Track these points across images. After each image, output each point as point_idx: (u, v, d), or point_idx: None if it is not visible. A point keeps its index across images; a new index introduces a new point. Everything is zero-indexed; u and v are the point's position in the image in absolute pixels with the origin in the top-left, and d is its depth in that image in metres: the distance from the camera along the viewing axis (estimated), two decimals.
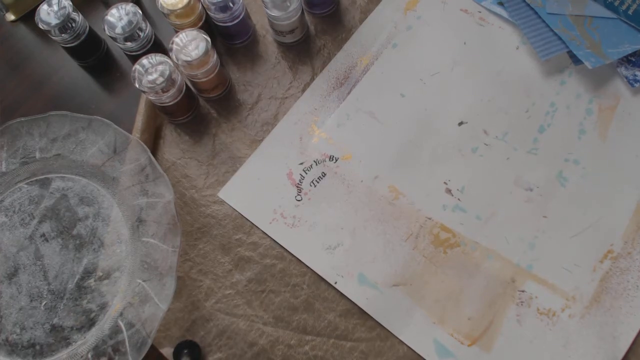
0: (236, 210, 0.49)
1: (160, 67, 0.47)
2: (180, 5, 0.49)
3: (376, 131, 0.50)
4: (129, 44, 0.51)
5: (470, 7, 0.53)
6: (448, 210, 0.47)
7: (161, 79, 0.47)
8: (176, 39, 0.48)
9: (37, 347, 0.45)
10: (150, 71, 0.47)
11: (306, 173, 0.50)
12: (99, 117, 0.49)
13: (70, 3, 0.51)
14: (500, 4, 0.53)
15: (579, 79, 0.50)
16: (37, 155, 0.50)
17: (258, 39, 0.55)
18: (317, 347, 0.45)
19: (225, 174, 0.51)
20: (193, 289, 0.47)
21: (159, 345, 0.46)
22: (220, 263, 0.48)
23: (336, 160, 0.50)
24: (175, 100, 0.49)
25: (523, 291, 0.44)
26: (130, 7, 0.50)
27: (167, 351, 0.46)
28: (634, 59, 0.49)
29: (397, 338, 0.44)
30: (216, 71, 0.50)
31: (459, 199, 0.47)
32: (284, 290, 0.47)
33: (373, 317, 0.45)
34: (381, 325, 0.45)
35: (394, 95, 0.51)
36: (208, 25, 0.53)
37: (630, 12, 0.49)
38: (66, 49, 0.54)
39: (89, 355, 0.44)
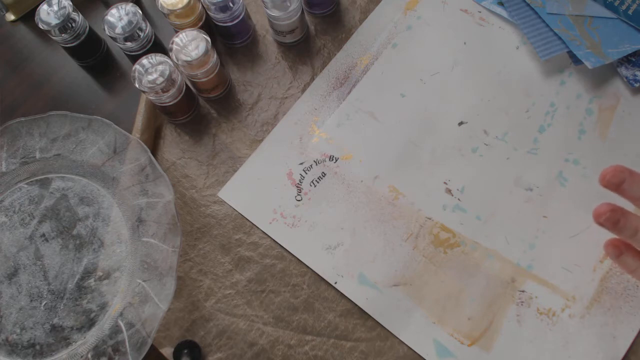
0: (236, 210, 0.49)
1: (160, 67, 0.47)
2: (180, 5, 0.49)
3: (376, 131, 0.50)
4: (129, 44, 0.51)
5: (470, 7, 0.53)
6: (448, 210, 0.47)
7: (161, 79, 0.47)
8: (176, 39, 0.48)
9: (37, 347, 0.45)
10: (150, 71, 0.47)
11: (306, 173, 0.50)
12: (99, 117, 0.49)
13: (70, 3, 0.51)
14: (500, 4, 0.53)
15: (579, 79, 0.50)
16: (37, 155, 0.50)
17: (258, 39, 0.55)
18: (317, 347, 0.45)
19: (225, 174, 0.51)
20: (193, 289, 0.47)
21: (159, 345, 0.46)
22: (220, 263, 0.48)
23: (336, 160, 0.50)
24: (175, 100, 0.49)
25: (523, 291, 0.44)
26: (130, 7, 0.50)
27: (167, 351, 0.46)
28: (634, 59, 0.49)
29: (397, 338, 0.44)
30: (216, 71, 0.50)
31: (459, 199, 0.47)
32: (284, 290, 0.47)
33: (373, 317, 0.45)
34: (381, 325, 0.45)
35: (394, 95, 0.51)
36: (208, 25, 0.53)
37: (630, 12, 0.49)
38: (66, 49, 0.54)
39: (89, 355, 0.44)
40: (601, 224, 0.39)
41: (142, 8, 0.58)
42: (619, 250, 0.40)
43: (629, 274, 0.42)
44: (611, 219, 0.38)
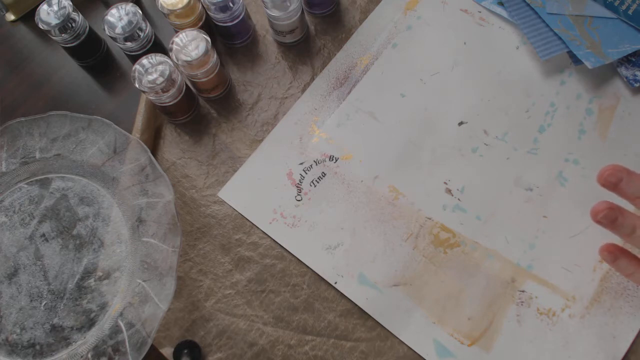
0: (236, 210, 0.49)
1: (160, 67, 0.47)
2: (180, 5, 0.49)
3: (376, 131, 0.50)
4: (129, 44, 0.51)
5: (470, 7, 0.53)
6: (448, 210, 0.47)
7: (161, 79, 0.47)
8: (176, 39, 0.48)
9: (37, 347, 0.45)
10: (150, 71, 0.47)
11: (306, 173, 0.50)
12: (99, 117, 0.49)
13: (70, 3, 0.51)
14: (500, 4, 0.53)
15: (579, 79, 0.50)
16: (37, 155, 0.50)
17: (258, 39, 0.55)
18: (317, 347, 0.45)
19: (225, 174, 0.51)
20: (193, 289, 0.47)
21: (159, 345, 0.46)
22: (220, 263, 0.48)
23: (336, 160, 0.50)
24: (175, 100, 0.49)
25: (523, 291, 0.44)
26: (130, 7, 0.50)
27: (167, 351, 0.46)
28: (634, 59, 0.49)
29: (397, 338, 0.44)
30: (216, 71, 0.50)
31: (459, 199, 0.47)
32: (284, 290, 0.47)
33: (373, 317, 0.45)
34: (381, 325, 0.45)
35: (394, 95, 0.51)
36: (208, 25, 0.53)
37: (630, 12, 0.49)
38: (66, 49, 0.54)
39: (89, 355, 0.44)
40: (598, 222, 0.39)
41: (142, 8, 0.58)
42: (614, 255, 0.40)
43: (626, 278, 0.42)
44: (608, 216, 0.38)
